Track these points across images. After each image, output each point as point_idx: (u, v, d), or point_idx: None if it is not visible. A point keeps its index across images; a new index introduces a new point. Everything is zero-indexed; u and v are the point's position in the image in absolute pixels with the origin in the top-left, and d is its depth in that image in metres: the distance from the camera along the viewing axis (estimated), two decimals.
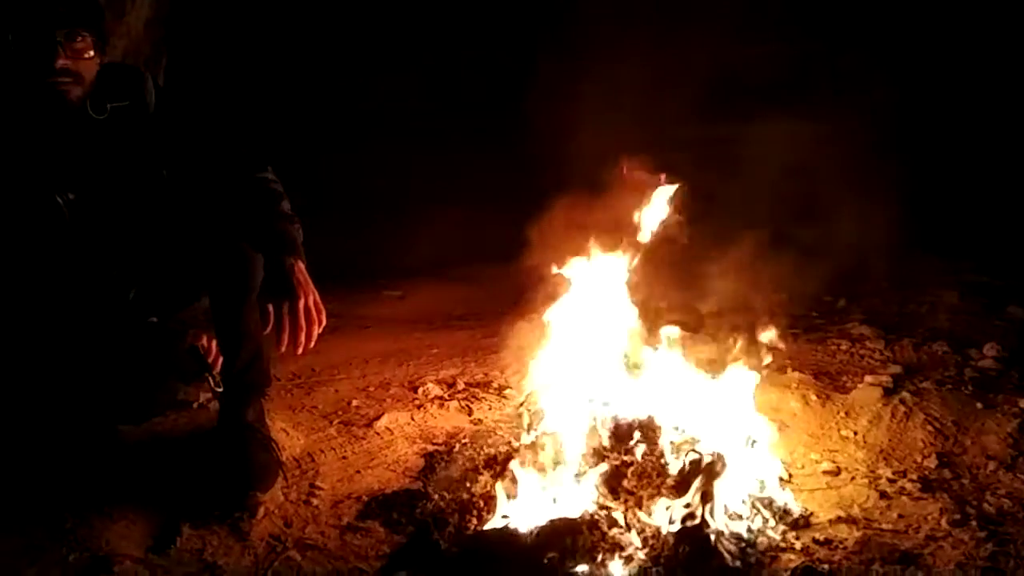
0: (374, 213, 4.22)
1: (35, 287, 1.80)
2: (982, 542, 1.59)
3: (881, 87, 3.73)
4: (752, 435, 1.85)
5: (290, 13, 4.65)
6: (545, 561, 1.50)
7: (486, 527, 1.65)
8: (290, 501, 1.81)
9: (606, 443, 1.79)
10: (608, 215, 2.21)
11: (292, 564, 1.60)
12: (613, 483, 1.70)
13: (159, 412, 2.07)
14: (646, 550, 1.56)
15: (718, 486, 1.64)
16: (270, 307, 1.65)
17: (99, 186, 1.78)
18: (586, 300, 2.13)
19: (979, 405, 2.14)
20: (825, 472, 1.93)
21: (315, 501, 1.82)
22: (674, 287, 2.59)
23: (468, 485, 1.81)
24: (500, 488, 1.73)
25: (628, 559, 1.54)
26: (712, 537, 1.55)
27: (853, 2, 4.22)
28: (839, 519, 1.72)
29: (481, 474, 1.84)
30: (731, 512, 1.65)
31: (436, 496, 1.78)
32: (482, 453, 1.95)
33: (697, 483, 1.64)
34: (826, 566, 1.54)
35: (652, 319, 2.19)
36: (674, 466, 1.71)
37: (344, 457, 2.02)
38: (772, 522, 1.68)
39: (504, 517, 1.65)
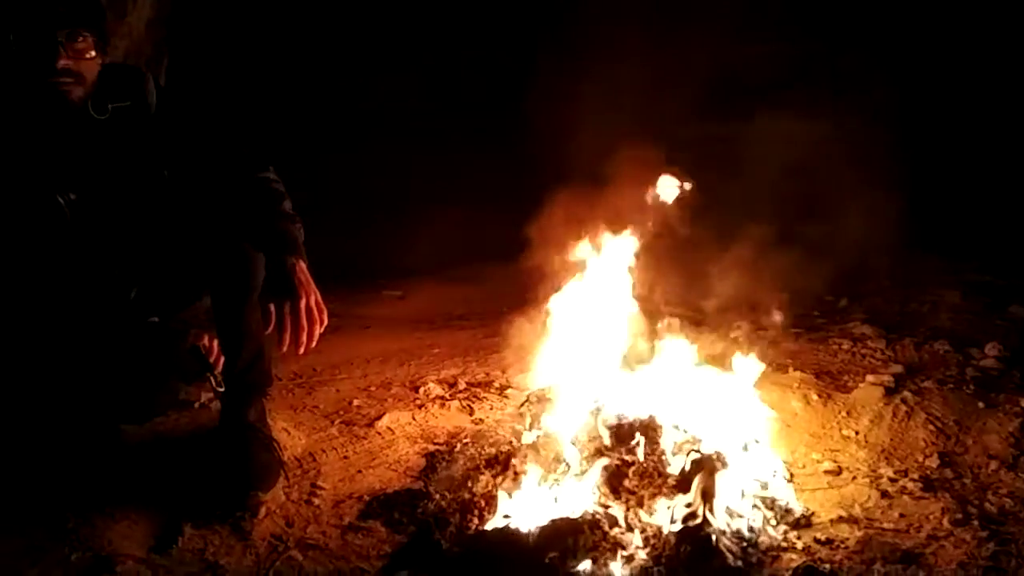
0: (374, 213, 4.22)
1: (36, 287, 1.80)
2: (984, 541, 1.59)
3: (882, 86, 3.73)
4: (753, 435, 1.85)
5: (290, 13, 4.66)
6: (546, 561, 1.50)
7: (487, 527, 1.65)
8: (292, 501, 1.81)
9: (607, 442, 1.79)
10: (608, 211, 2.21)
11: (294, 564, 1.60)
12: (614, 483, 1.70)
13: (161, 412, 2.07)
14: (647, 550, 1.56)
15: (719, 485, 1.64)
16: (272, 307, 1.65)
17: (100, 186, 1.78)
18: (587, 297, 2.13)
19: (981, 404, 2.14)
20: (826, 471, 1.93)
21: (316, 501, 1.82)
22: (675, 285, 2.60)
23: (469, 485, 1.81)
24: (501, 488, 1.73)
25: (629, 559, 1.54)
26: (713, 536, 1.55)
27: (854, 1, 4.21)
28: (840, 518, 1.72)
29: (482, 474, 1.84)
30: (732, 511, 1.65)
31: (437, 496, 1.78)
32: (483, 453, 1.95)
33: (698, 482, 1.64)
34: (827, 566, 1.54)
35: (653, 315, 2.19)
36: (675, 465, 1.71)
37: (345, 457, 2.02)
38: (773, 521, 1.68)
39: (505, 517, 1.65)
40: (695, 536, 1.55)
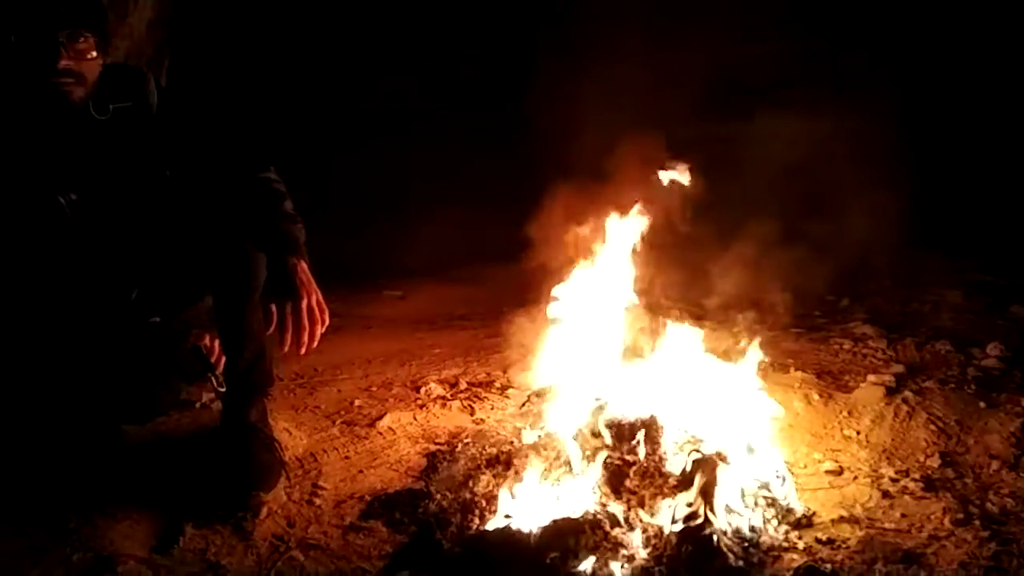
0: (375, 213, 4.23)
1: (37, 288, 1.80)
2: (985, 541, 1.59)
3: (884, 85, 3.73)
4: (755, 434, 1.85)
5: (291, 13, 4.66)
6: (547, 561, 1.50)
7: (488, 527, 1.65)
8: (293, 501, 1.81)
9: (608, 442, 1.79)
10: (609, 209, 2.21)
11: (295, 564, 1.60)
12: (615, 482, 1.70)
13: (162, 412, 2.07)
14: (648, 550, 1.56)
15: (720, 485, 1.64)
16: (273, 307, 1.65)
17: (101, 186, 1.78)
18: (588, 295, 2.13)
19: (982, 404, 2.14)
20: (828, 471, 1.93)
21: (318, 501, 1.82)
22: (676, 282, 2.59)
23: (471, 485, 1.81)
24: (503, 488, 1.73)
25: (630, 558, 1.54)
26: (715, 536, 1.55)
27: (855, 0, 4.21)
28: (842, 518, 1.72)
29: (484, 474, 1.84)
30: (734, 511, 1.65)
31: (438, 496, 1.78)
32: (485, 453, 1.95)
33: (699, 482, 1.63)
34: (829, 565, 1.54)
35: (654, 311, 2.19)
36: (677, 465, 1.71)
37: (347, 457, 2.03)
38: (775, 521, 1.68)
39: (506, 517, 1.65)
40: (696, 536, 1.55)
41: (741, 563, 1.53)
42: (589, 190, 2.29)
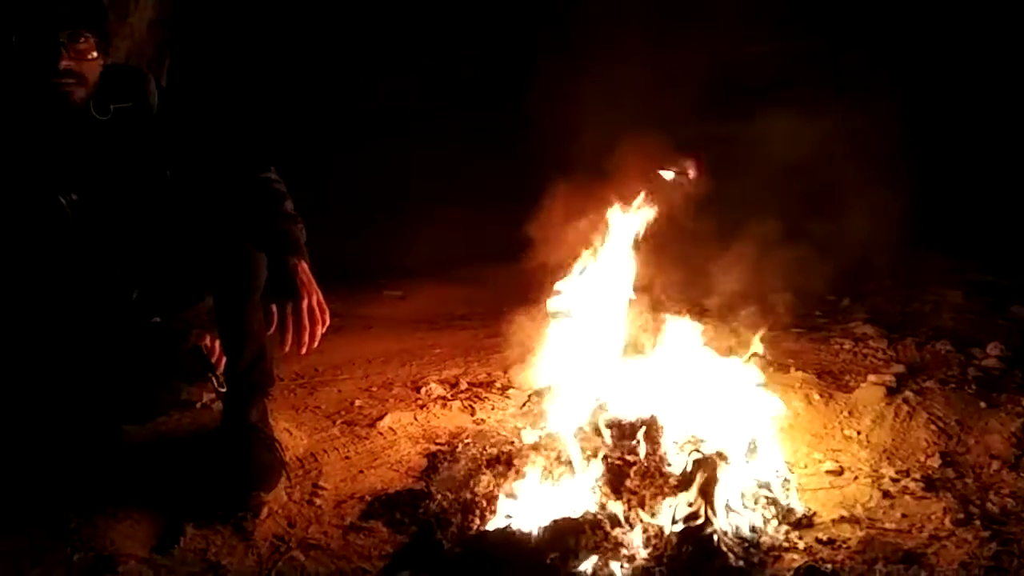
0: (375, 213, 4.23)
1: (38, 288, 1.80)
2: (986, 542, 1.59)
3: (884, 84, 3.72)
4: (755, 434, 1.85)
5: (291, 14, 4.66)
6: (548, 561, 1.50)
7: (489, 527, 1.65)
8: (293, 501, 1.81)
9: (609, 442, 1.79)
10: (609, 208, 2.21)
11: (295, 564, 1.60)
12: (616, 482, 1.70)
13: (163, 412, 2.07)
14: (649, 550, 1.56)
15: (721, 485, 1.64)
16: (274, 307, 1.65)
17: (102, 187, 1.78)
18: (588, 294, 2.12)
19: (983, 404, 2.14)
20: (828, 472, 1.93)
21: (318, 501, 1.82)
22: (676, 281, 2.59)
23: (471, 485, 1.81)
24: (503, 488, 1.73)
25: (631, 559, 1.54)
26: (715, 537, 1.55)
27: (856, 0, 4.21)
28: (842, 519, 1.72)
29: (484, 474, 1.84)
30: (734, 511, 1.65)
31: (439, 496, 1.78)
32: (485, 453, 1.95)
33: (700, 482, 1.63)
34: (829, 566, 1.54)
35: (654, 309, 2.19)
36: (677, 465, 1.71)
37: (347, 457, 2.03)
38: (775, 522, 1.68)
39: (507, 517, 1.65)
40: (697, 536, 1.55)
41: (741, 563, 1.53)
42: (589, 189, 2.29)
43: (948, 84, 4.05)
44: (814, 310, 3.11)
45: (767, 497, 1.73)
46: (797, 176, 3.15)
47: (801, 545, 1.62)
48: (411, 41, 4.87)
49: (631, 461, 1.74)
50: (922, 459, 1.95)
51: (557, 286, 2.17)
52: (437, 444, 2.08)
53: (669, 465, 1.72)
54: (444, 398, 2.36)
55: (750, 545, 1.59)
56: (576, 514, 1.59)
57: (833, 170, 3.28)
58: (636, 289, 2.16)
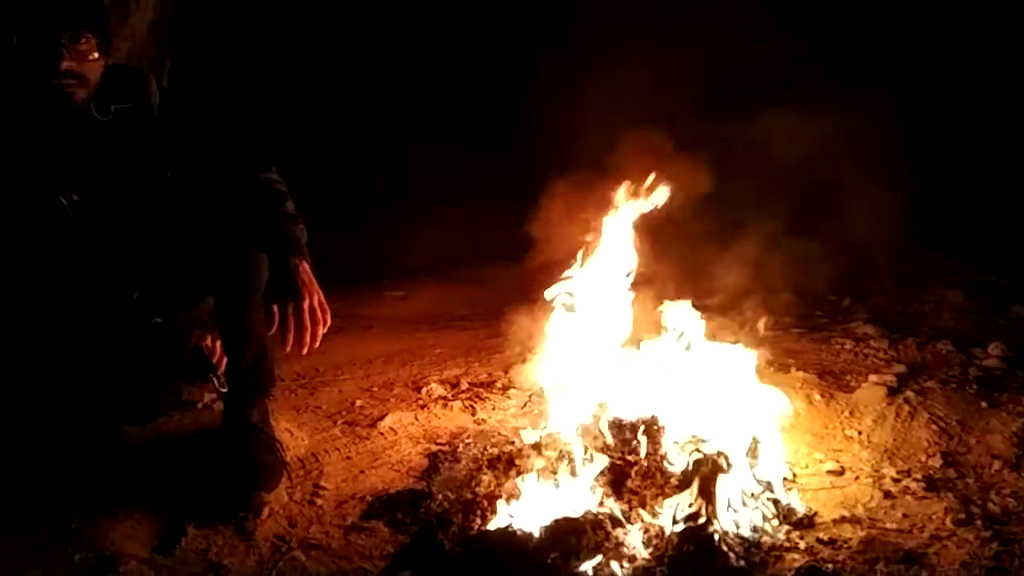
0: (376, 213, 4.23)
1: (39, 288, 1.80)
2: (987, 542, 1.59)
3: (885, 84, 3.72)
4: (756, 434, 1.85)
5: (291, 14, 4.66)
6: (549, 561, 1.50)
7: (490, 527, 1.65)
8: (294, 501, 1.81)
9: (610, 442, 1.79)
10: (609, 207, 2.21)
11: (297, 564, 1.60)
12: (617, 483, 1.71)
13: (164, 412, 2.07)
14: (650, 550, 1.56)
15: (722, 485, 1.64)
16: (275, 307, 1.65)
17: (103, 187, 1.78)
18: (588, 293, 2.12)
19: (984, 404, 2.14)
20: (829, 472, 1.93)
21: (319, 501, 1.82)
22: (676, 282, 2.59)
23: (472, 485, 1.81)
24: (504, 488, 1.73)
25: (632, 559, 1.54)
26: (716, 537, 1.55)
27: (856, 0, 4.21)
28: (843, 519, 1.72)
29: (485, 474, 1.84)
30: (735, 512, 1.65)
31: (440, 496, 1.78)
32: (486, 453, 1.95)
33: (700, 482, 1.63)
34: (830, 566, 1.54)
35: (655, 308, 2.19)
36: (678, 465, 1.71)
37: (348, 457, 2.03)
38: (776, 522, 1.68)
39: (508, 517, 1.65)
40: (698, 536, 1.55)
41: (742, 563, 1.54)
42: (590, 189, 2.29)
43: (948, 84, 4.05)
44: (815, 310, 3.10)
45: (768, 497, 1.73)
46: (797, 176, 3.15)
47: (802, 545, 1.62)
48: (411, 41, 4.87)
49: (632, 461, 1.74)
50: (923, 459, 1.95)
51: (557, 281, 2.17)
52: (438, 444, 2.08)
53: (670, 465, 1.72)
54: (445, 398, 2.36)
55: (751, 545, 1.60)
56: (577, 514, 1.59)
57: (833, 170, 3.28)
58: (637, 283, 2.16)
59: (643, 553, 1.56)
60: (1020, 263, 3.39)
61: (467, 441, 2.05)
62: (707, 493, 1.62)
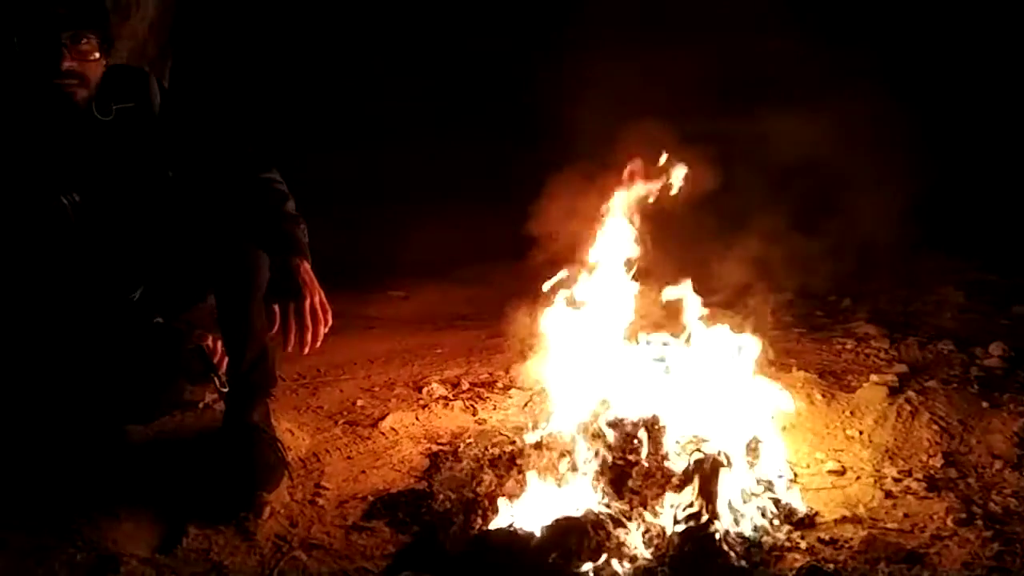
0: (377, 213, 4.23)
1: (40, 288, 1.80)
2: (988, 541, 1.59)
3: (886, 85, 3.72)
4: (757, 434, 1.85)
5: (293, 15, 4.67)
6: (550, 561, 1.50)
7: (491, 527, 1.65)
8: (296, 501, 1.81)
9: (611, 442, 1.79)
10: (609, 206, 2.20)
11: (298, 564, 1.60)
12: (618, 482, 1.70)
13: (165, 412, 2.07)
14: (651, 550, 1.56)
15: (723, 485, 1.64)
16: (276, 307, 1.65)
17: (104, 187, 1.78)
18: (587, 292, 2.12)
19: (985, 404, 2.14)
20: (830, 471, 1.93)
21: (320, 501, 1.82)
22: (676, 278, 2.59)
23: (473, 485, 1.81)
24: (505, 488, 1.74)
25: (633, 559, 1.54)
26: (717, 537, 1.55)
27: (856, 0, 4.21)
28: (844, 518, 1.72)
29: (486, 474, 1.84)
30: (736, 511, 1.65)
31: (441, 496, 1.79)
32: (487, 453, 1.95)
33: (701, 482, 1.63)
34: (831, 566, 1.54)
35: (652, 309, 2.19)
36: (679, 465, 1.71)
37: (349, 457, 2.03)
38: (777, 522, 1.68)
39: (509, 517, 1.65)
40: (699, 536, 1.55)
41: (743, 563, 1.53)
42: (592, 186, 2.29)
43: (951, 84, 4.05)
44: (816, 310, 3.10)
45: (769, 497, 1.73)
46: (798, 176, 3.14)
47: (803, 545, 1.62)
48: (413, 41, 4.87)
49: (633, 461, 1.74)
50: (924, 459, 1.94)
51: (557, 276, 2.16)
52: (439, 444, 2.08)
53: (671, 465, 1.72)
54: (446, 398, 2.36)
55: (752, 545, 1.59)
56: (578, 514, 1.59)
57: (834, 170, 3.28)
58: (638, 278, 2.15)
59: (644, 553, 1.56)
60: (1021, 263, 3.39)
61: (468, 441, 2.05)
62: (708, 493, 1.62)
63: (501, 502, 1.69)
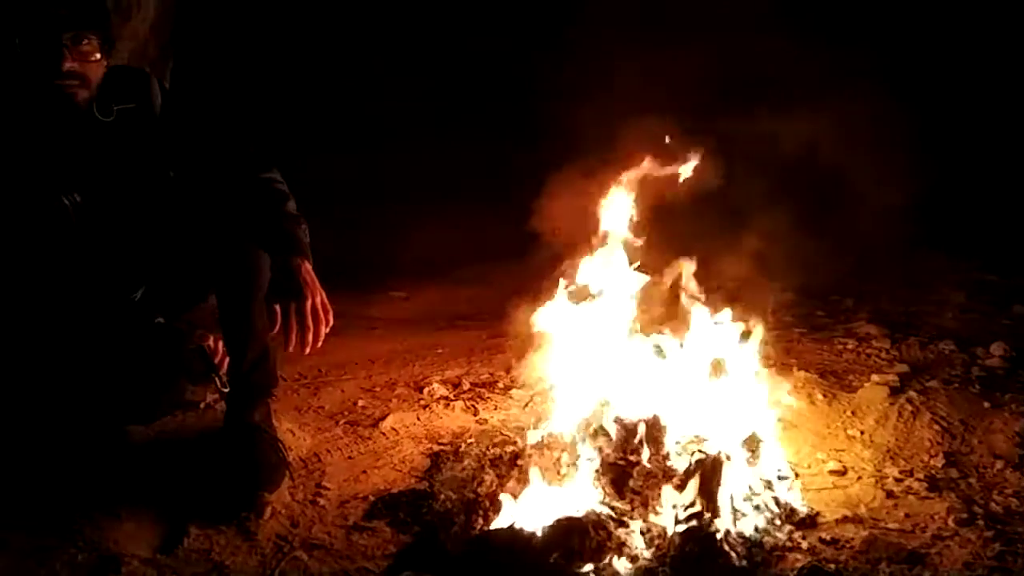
0: (377, 213, 4.23)
1: (42, 288, 1.80)
2: (989, 541, 1.59)
3: (887, 85, 3.72)
4: (758, 434, 1.85)
5: (294, 15, 4.67)
6: (551, 561, 1.50)
7: (492, 527, 1.65)
8: (297, 501, 1.81)
9: (612, 442, 1.79)
10: (610, 206, 2.21)
11: (299, 564, 1.60)
12: (619, 483, 1.70)
13: (166, 412, 2.07)
14: (652, 550, 1.56)
15: (724, 485, 1.64)
16: (277, 307, 1.66)
17: (105, 188, 1.78)
18: (588, 290, 2.12)
19: (986, 404, 2.14)
20: (831, 471, 1.93)
21: (321, 501, 1.82)
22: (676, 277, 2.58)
23: (474, 485, 1.81)
24: (506, 488, 1.74)
25: (634, 559, 1.54)
26: (718, 537, 1.55)
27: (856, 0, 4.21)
28: (845, 518, 1.72)
29: (487, 474, 1.84)
30: (737, 511, 1.65)
31: (442, 496, 1.79)
32: (488, 453, 1.95)
33: (702, 482, 1.63)
34: (833, 565, 1.54)
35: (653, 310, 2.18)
36: (680, 466, 1.71)
37: (350, 457, 2.03)
38: (778, 522, 1.68)
39: (510, 517, 1.65)
40: (700, 536, 1.55)
41: (745, 563, 1.53)
42: (593, 185, 2.29)
43: (951, 84, 4.05)
44: (817, 310, 3.10)
45: (770, 497, 1.73)
46: (799, 176, 3.14)
47: (804, 545, 1.62)
48: (413, 41, 4.88)
49: (634, 461, 1.74)
50: (926, 459, 1.94)
51: (559, 274, 2.17)
52: (440, 444, 2.08)
53: (672, 465, 1.72)
54: (447, 398, 2.36)
55: (753, 545, 1.59)
56: (579, 514, 1.59)
57: (835, 170, 3.28)
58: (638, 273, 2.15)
59: (645, 553, 1.56)
60: (1022, 263, 3.39)
61: (469, 441, 2.05)
62: (709, 493, 1.62)
63: (502, 502, 1.69)
